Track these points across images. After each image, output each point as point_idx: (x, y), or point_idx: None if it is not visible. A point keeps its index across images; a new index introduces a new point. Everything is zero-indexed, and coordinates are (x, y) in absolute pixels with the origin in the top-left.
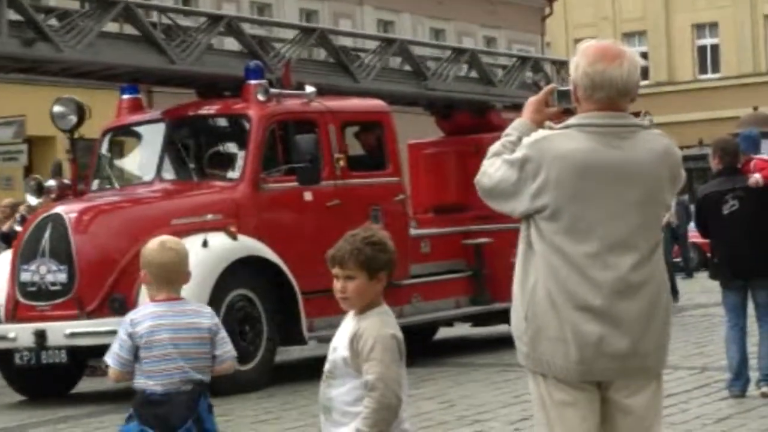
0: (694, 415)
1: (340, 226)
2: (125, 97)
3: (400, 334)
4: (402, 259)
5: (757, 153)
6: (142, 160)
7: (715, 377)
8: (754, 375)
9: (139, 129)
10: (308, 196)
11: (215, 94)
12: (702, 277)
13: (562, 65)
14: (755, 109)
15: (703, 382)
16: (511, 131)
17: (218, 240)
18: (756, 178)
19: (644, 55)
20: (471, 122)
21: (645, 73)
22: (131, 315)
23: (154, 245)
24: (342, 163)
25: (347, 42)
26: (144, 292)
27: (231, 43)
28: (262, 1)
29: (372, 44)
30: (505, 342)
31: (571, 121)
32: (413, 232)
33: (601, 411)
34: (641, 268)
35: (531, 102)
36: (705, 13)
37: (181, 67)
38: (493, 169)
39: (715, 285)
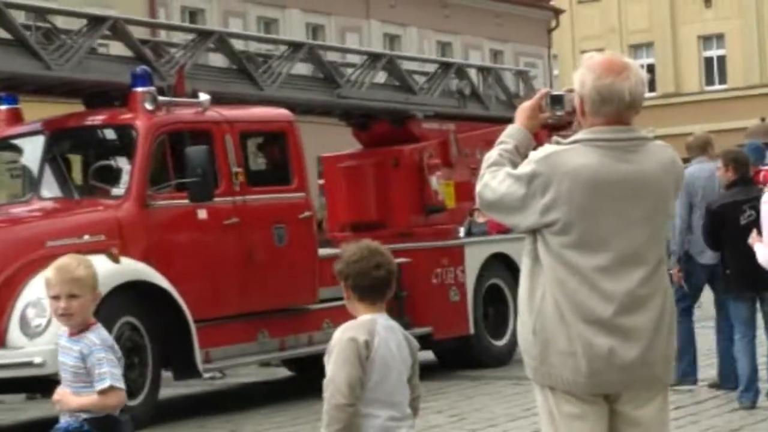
0: (704, 427)
1: (239, 246)
2: (2, 107)
3: (363, 338)
4: (310, 282)
5: (763, 164)
6: (20, 176)
7: (726, 389)
8: (764, 387)
9: (17, 142)
10: (203, 214)
11: (104, 104)
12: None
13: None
14: (762, 120)
15: (714, 393)
16: (506, 139)
17: (98, 264)
18: None
19: (651, 67)
20: (390, 133)
21: (652, 84)
22: (108, 340)
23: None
24: (241, 177)
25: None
26: (16, 324)
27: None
28: (269, 17)
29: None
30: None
31: (579, 136)
32: (324, 252)
33: (609, 424)
34: (649, 281)
35: (524, 108)
36: (711, 24)
37: (60, 74)
38: (495, 182)
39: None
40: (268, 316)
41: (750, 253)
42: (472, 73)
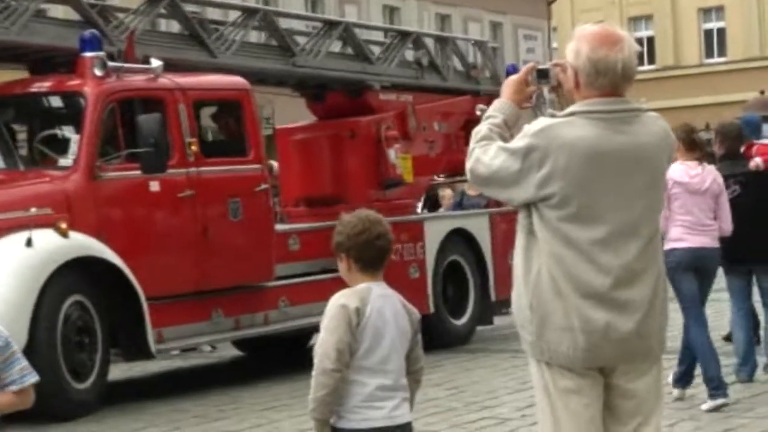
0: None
1: (193, 220)
2: None
3: (354, 305)
4: (266, 258)
5: (758, 138)
6: None
7: (723, 362)
8: (761, 360)
9: None
10: (155, 186)
11: (49, 70)
12: None
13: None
14: (762, 92)
15: None
16: (494, 113)
17: (46, 238)
18: (756, 161)
19: (650, 40)
20: (346, 104)
21: (651, 57)
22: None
23: None
24: (195, 148)
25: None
26: None
27: None
28: None
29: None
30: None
31: (574, 108)
32: (281, 227)
33: (604, 397)
34: (645, 254)
35: (511, 81)
36: None
37: (4, 38)
38: (488, 156)
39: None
40: (222, 293)
41: (738, 227)
42: (430, 43)
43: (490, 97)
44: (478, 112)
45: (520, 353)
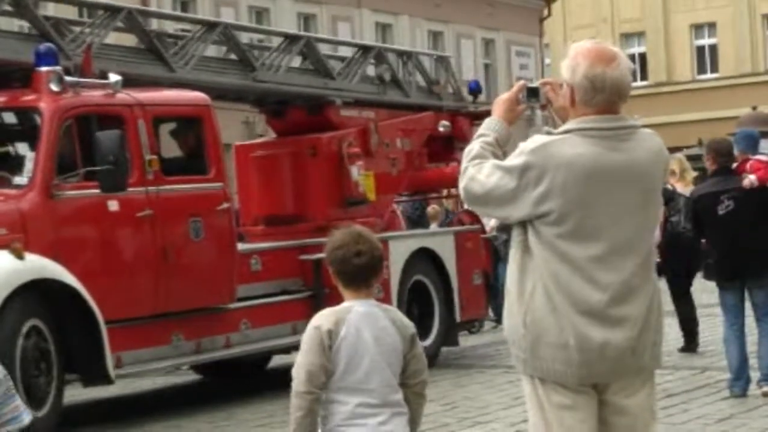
0: (695, 415)
1: (152, 241)
2: None
3: (327, 327)
4: (227, 279)
5: (755, 153)
6: None
7: (716, 377)
8: (754, 375)
9: None
10: (114, 205)
11: (3, 85)
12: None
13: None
14: (754, 108)
15: (704, 382)
16: (486, 131)
17: (0, 260)
18: (750, 179)
19: (642, 56)
20: (307, 120)
21: (643, 73)
22: None
23: None
24: (154, 166)
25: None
26: None
27: None
28: (260, 6)
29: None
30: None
31: (570, 126)
32: (241, 247)
33: (598, 413)
34: (641, 270)
35: (502, 100)
36: (703, 13)
37: None
38: (483, 175)
39: (713, 285)
40: (182, 316)
41: (731, 242)
42: (392, 59)
43: (452, 113)
44: (441, 129)
45: (513, 369)
